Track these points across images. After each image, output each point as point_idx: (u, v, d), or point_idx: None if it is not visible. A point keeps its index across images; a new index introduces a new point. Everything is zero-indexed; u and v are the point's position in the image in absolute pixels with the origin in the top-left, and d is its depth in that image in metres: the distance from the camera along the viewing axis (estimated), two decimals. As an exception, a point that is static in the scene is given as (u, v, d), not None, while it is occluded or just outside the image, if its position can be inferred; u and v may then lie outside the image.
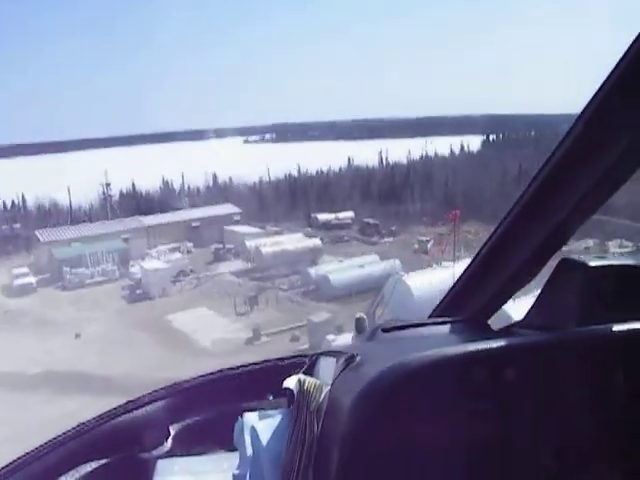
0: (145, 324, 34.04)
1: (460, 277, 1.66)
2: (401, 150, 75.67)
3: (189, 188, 71.23)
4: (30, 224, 54.39)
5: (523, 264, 1.41)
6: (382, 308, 29.91)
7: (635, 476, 1.15)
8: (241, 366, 2.10)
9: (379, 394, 1.05)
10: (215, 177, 73.12)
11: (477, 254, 1.55)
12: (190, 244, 50.71)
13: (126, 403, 1.91)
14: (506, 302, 1.58)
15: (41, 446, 1.73)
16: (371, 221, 54.63)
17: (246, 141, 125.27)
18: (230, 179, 72.22)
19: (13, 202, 64.09)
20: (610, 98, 1.07)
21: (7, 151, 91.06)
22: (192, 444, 1.91)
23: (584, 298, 1.19)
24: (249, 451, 1.37)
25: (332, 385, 1.21)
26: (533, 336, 1.21)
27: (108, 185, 61.56)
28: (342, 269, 39.75)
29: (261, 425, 1.36)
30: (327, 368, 1.33)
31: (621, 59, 1.03)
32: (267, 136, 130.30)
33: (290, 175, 73.01)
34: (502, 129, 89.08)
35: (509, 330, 1.35)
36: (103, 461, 1.77)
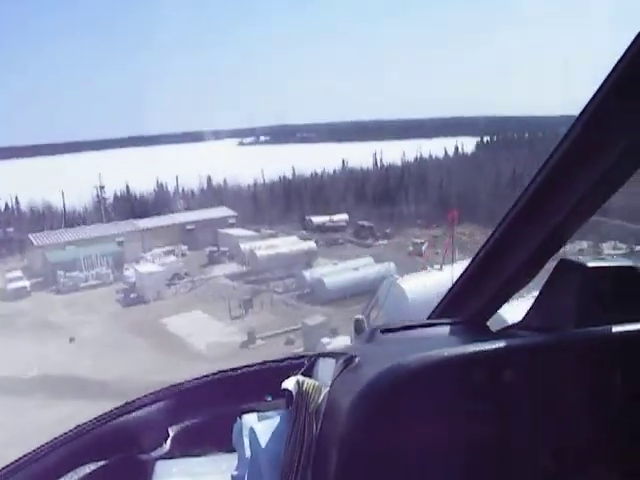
0: (140, 328, 33.89)
1: (459, 278, 1.67)
2: (396, 152, 75.62)
3: (183, 191, 70.97)
4: (24, 227, 54.13)
5: (521, 266, 1.42)
6: (377, 311, 29.90)
7: (633, 477, 1.15)
8: (239, 367, 2.12)
9: (378, 395, 1.05)
10: (210, 179, 72.94)
11: (475, 256, 1.56)
12: (185, 247, 50.55)
13: (125, 404, 1.93)
14: (504, 303, 1.59)
15: (40, 447, 1.75)
16: (365, 224, 54.51)
17: (241, 143, 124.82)
18: (225, 181, 72.03)
19: (7, 205, 63.77)
20: (608, 101, 1.08)
21: (0, 153, 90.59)
22: (191, 445, 1.92)
23: (582, 299, 1.20)
24: (248, 452, 1.38)
25: (331, 386, 1.21)
26: (532, 337, 1.22)
27: (102, 188, 61.34)
28: (337, 272, 39.65)
29: (260, 426, 1.37)
30: (326, 369, 1.34)
31: (619, 61, 1.04)
32: (262, 138, 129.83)
33: (285, 177, 72.89)
34: (497, 131, 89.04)
35: (508, 331, 1.36)
36: (102, 462, 1.79)
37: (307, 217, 58.56)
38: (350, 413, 1.06)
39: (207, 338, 31.66)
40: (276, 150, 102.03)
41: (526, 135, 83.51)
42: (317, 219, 57.36)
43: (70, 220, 58.66)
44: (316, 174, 73.75)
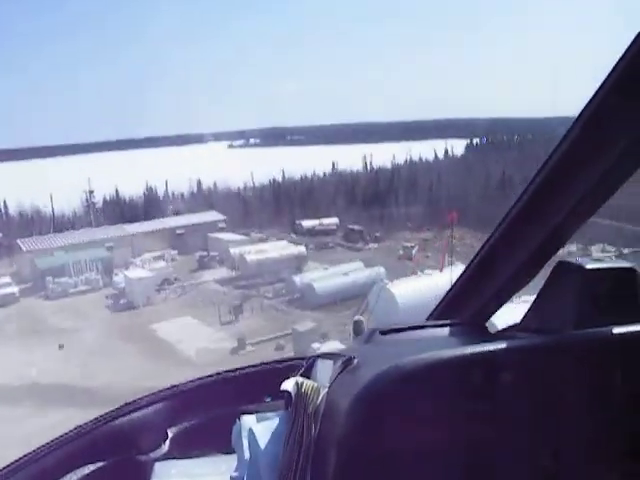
0: (129, 334, 33.68)
1: (457, 280, 1.67)
2: (386, 154, 75.65)
3: (173, 194, 70.65)
4: (12, 232, 53.69)
5: (520, 267, 1.42)
6: (367, 316, 29.87)
7: (632, 477, 1.16)
8: (239, 369, 2.13)
9: (376, 397, 1.06)
10: (199, 183, 72.70)
11: (474, 257, 1.57)
12: (174, 252, 50.27)
13: (123, 406, 1.93)
14: (503, 305, 1.58)
15: (39, 448, 1.75)
16: (356, 227, 54.45)
17: (230, 146, 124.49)
18: (214, 185, 71.79)
19: (-5, 210, 63.39)
20: (607, 100, 1.08)
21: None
22: (190, 447, 1.93)
23: (580, 301, 1.20)
24: (247, 453, 1.40)
25: (329, 388, 1.21)
26: (530, 339, 1.22)
27: (91, 192, 60.97)
28: (327, 277, 39.58)
29: (259, 427, 1.38)
30: (324, 371, 1.34)
31: (619, 61, 1.04)
32: (252, 141, 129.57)
33: (275, 180, 72.75)
34: (487, 133, 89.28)
35: (506, 333, 1.37)
36: (101, 463, 1.80)
37: (297, 221, 58.43)
38: (349, 414, 1.06)
39: (197, 344, 31.51)
40: (266, 153, 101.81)
41: (516, 137, 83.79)
42: (307, 223, 57.26)
43: (59, 225, 58.28)
44: (306, 177, 73.66)
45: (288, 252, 46.56)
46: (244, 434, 1.44)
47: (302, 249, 47.91)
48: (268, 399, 1.80)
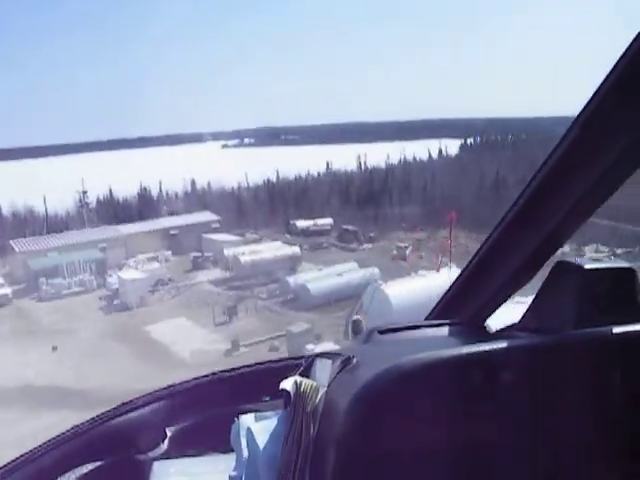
0: (123, 335, 33.63)
1: (456, 280, 1.67)
2: (380, 154, 75.76)
3: (167, 194, 70.44)
4: (5, 233, 53.45)
5: (519, 267, 1.42)
6: (361, 317, 29.96)
7: (632, 477, 1.16)
8: (237, 368, 2.11)
9: (375, 396, 1.06)
10: (193, 183, 72.61)
11: (473, 257, 1.56)
12: (168, 252, 50.19)
13: (122, 405, 1.92)
14: (502, 305, 1.58)
15: (37, 448, 1.75)
16: (350, 227, 54.43)
17: (225, 145, 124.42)
18: (209, 185, 71.71)
19: (-12, 210, 63.03)
20: (606, 101, 1.08)
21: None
22: (188, 446, 1.92)
23: (580, 301, 1.20)
24: (245, 453, 1.40)
25: (328, 387, 1.21)
26: (529, 339, 1.22)
27: (85, 193, 60.75)
28: (321, 278, 39.59)
29: (257, 427, 1.38)
30: (323, 370, 1.33)
31: (619, 60, 1.04)
32: (246, 140, 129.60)
33: (269, 181, 72.73)
34: (481, 132, 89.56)
35: (505, 333, 1.36)
36: (99, 463, 1.78)
37: (291, 221, 58.36)
38: (347, 414, 1.06)
39: (191, 345, 31.50)
40: (260, 153, 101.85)
41: (510, 137, 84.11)
42: (301, 223, 57.24)
43: (52, 225, 58.05)
44: (300, 177, 73.70)
45: (282, 253, 46.54)
46: (243, 433, 1.44)
47: (296, 250, 47.92)
48: (267, 398, 1.80)
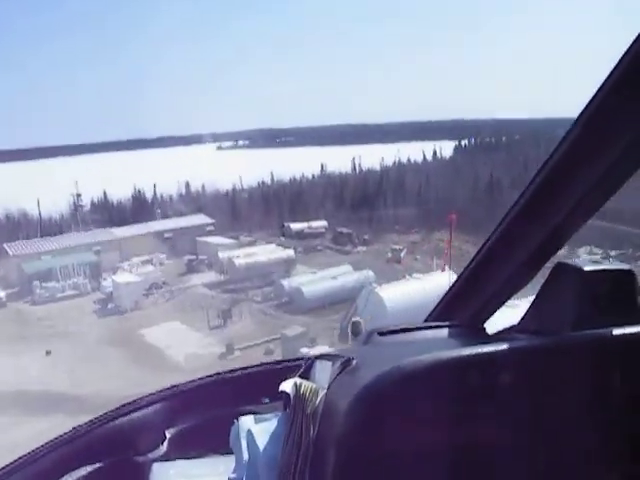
0: (117, 339, 33.56)
1: (456, 281, 1.66)
2: (374, 156, 75.79)
3: (162, 197, 70.22)
4: (-1, 236, 53.31)
5: (518, 269, 1.42)
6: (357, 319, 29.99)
7: (632, 479, 1.16)
8: (237, 370, 2.11)
9: (375, 398, 1.05)
10: (188, 185, 72.45)
11: (473, 258, 1.55)
12: (163, 255, 50.08)
13: (121, 406, 1.91)
14: (501, 306, 1.57)
15: (37, 449, 1.74)
16: (344, 230, 54.41)
17: (219, 147, 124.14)
18: (203, 187, 71.55)
19: (-19, 214, 62.67)
20: (608, 101, 1.08)
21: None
22: (188, 447, 1.91)
23: (579, 302, 1.20)
24: (245, 454, 1.40)
25: (328, 389, 1.20)
26: (528, 340, 1.22)
27: (79, 196, 60.53)
28: (315, 281, 39.60)
29: (257, 428, 1.38)
30: (323, 372, 1.32)
31: (619, 61, 1.04)
32: (241, 142, 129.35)
33: (263, 183, 72.69)
34: (475, 134, 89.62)
35: (504, 334, 1.37)
36: (98, 464, 1.78)
37: (286, 224, 58.13)
38: (347, 415, 1.06)
39: (185, 349, 31.41)
40: (255, 154, 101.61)
41: (503, 139, 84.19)
42: (296, 226, 57.06)
43: (46, 228, 57.78)
44: (295, 179, 73.65)
45: (276, 256, 46.52)
46: (242, 435, 1.45)
47: (290, 252, 47.90)
48: (266, 400, 1.81)
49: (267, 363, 2.17)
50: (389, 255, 48.36)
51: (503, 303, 1.56)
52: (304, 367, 1.47)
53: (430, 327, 1.44)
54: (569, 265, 1.24)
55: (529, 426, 1.11)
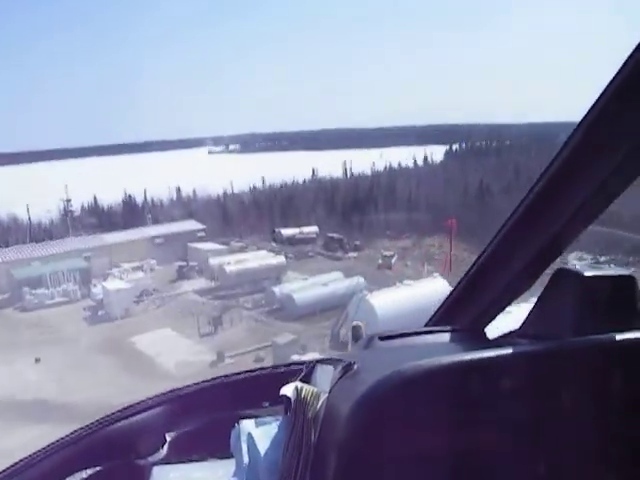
0: (107, 347, 33.34)
1: (456, 286, 1.66)
2: (365, 160, 75.92)
3: (152, 202, 70.03)
4: (-12, 241, 53.00)
5: (519, 274, 1.42)
6: (346, 327, 29.99)
7: None
8: (238, 373, 2.10)
9: (376, 402, 1.05)
10: (179, 190, 72.33)
11: (473, 263, 1.56)
12: (153, 261, 49.86)
13: (122, 410, 1.90)
14: (502, 311, 1.58)
15: (37, 452, 1.73)
16: (335, 236, 54.40)
17: (210, 152, 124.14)
18: (194, 192, 71.50)
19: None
20: (609, 107, 1.08)
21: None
22: (188, 451, 1.90)
23: (580, 308, 1.20)
24: (246, 458, 1.41)
25: (329, 393, 1.20)
26: (529, 345, 1.22)
27: (69, 201, 60.19)
28: (306, 287, 39.50)
29: (258, 432, 1.39)
30: (324, 376, 1.32)
31: (622, 67, 1.04)
32: (231, 146, 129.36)
33: (254, 188, 72.68)
34: (466, 139, 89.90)
35: (505, 339, 1.37)
36: (99, 468, 1.77)
37: (277, 229, 58.15)
38: (348, 420, 1.06)
39: (176, 357, 31.28)
40: (246, 159, 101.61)
41: (494, 143, 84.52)
42: (287, 231, 57.04)
43: (36, 234, 57.54)
44: (286, 184, 73.64)
45: (267, 262, 46.44)
46: (243, 439, 1.45)
47: (281, 259, 47.84)
48: (267, 404, 1.81)
49: (268, 367, 2.16)
50: (380, 261, 48.38)
51: (504, 308, 1.57)
52: (305, 371, 1.47)
53: (431, 332, 1.44)
54: (570, 270, 1.25)
55: (530, 431, 1.12)
